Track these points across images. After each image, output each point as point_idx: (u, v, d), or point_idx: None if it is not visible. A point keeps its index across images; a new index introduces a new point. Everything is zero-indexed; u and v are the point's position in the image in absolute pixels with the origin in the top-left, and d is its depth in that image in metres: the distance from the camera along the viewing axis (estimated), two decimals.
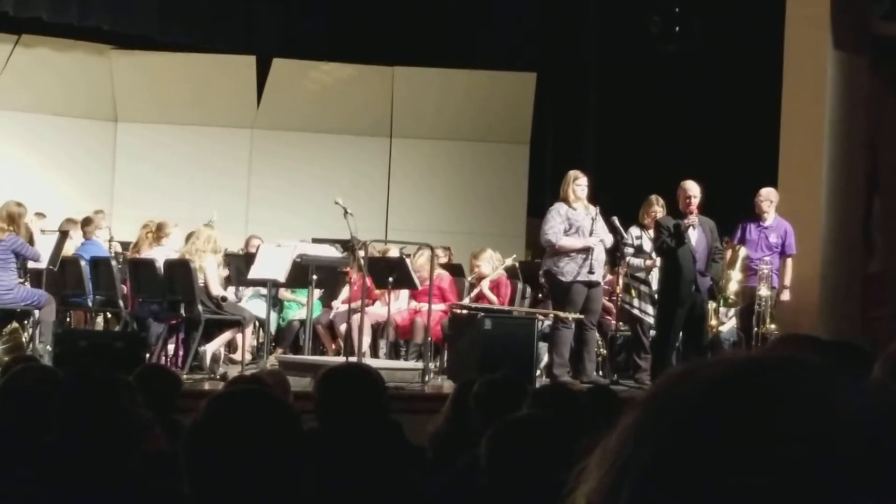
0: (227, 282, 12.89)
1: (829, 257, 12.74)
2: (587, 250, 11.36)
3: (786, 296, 12.23)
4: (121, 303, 12.19)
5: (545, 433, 3.76)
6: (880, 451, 0.83)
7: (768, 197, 12.33)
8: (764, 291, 12.00)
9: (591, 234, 11.42)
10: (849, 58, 12.94)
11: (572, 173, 11.73)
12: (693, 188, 11.46)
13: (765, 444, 0.84)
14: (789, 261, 12.27)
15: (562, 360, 11.43)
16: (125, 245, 13.80)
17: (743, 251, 12.11)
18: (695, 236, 11.38)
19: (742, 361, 0.91)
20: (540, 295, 13.37)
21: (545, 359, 11.97)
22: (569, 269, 11.36)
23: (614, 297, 12.66)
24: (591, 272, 11.41)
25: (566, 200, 11.52)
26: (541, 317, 11.93)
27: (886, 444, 0.84)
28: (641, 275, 12.16)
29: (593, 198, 11.79)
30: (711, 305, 12.29)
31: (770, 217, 12.27)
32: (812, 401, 0.86)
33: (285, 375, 6.98)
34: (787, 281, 12.27)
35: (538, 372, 11.59)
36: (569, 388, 6.21)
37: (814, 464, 0.83)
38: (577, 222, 11.42)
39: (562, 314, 11.58)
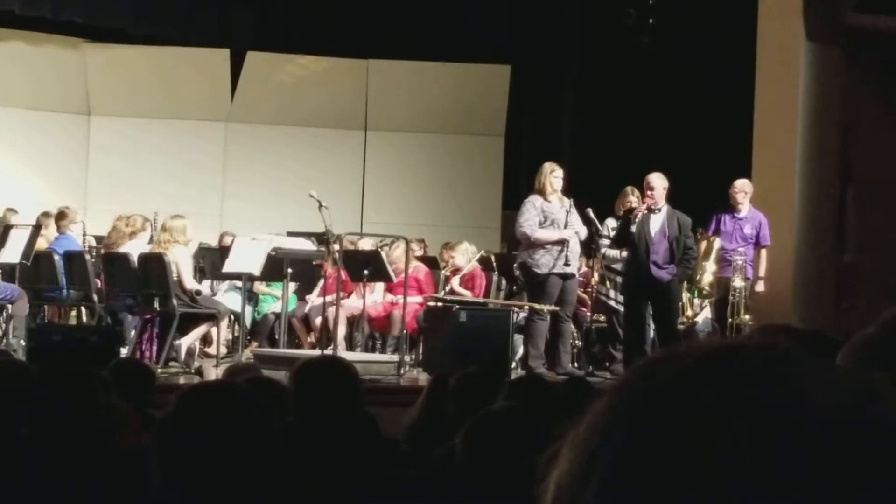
0: (202, 275, 12.87)
1: (802, 248, 12.78)
2: (562, 242, 11.38)
3: (760, 287, 12.28)
4: (95, 297, 12.14)
5: (521, 425, 3.76)
6: (850, 438, 0.84)
7: (743, 188, 12.37)
8: (738, 282, 12.04)
9: (566, 225, 11.44)
10: (822, 49, 12.97)
11: (548, 165, 11.73)
12: (652, 180, 11.44)
13: (736, 431, 0.84)
14: (763, 252, 12.32)
15: (537, 352, 11.45)
16: (99, 239, 13.75)
17: (717, 242, 12.15)
18: (656, 227, 11.36)
19: (716, 348, 0.91)
20: (515, 287, 13.38)
21: (521, 351, 11.98)
22: (544, 262, 11.38)
23: (589, 289, 12.68)
24: (566, 264, 11.43)
25: (542, 193, 11.52)
26: (516, 309, 11.94)
27: (857, 431, 0.84)
28: (617, 266, 12.18)
29: (568, 190, 11.81)
30: (686, 297, 12.33)
31: (745, 208, 12.31)
32: (784, 387, 0.86)
33: (260, 370, 6.97)
34: (762, 272, 12.31)
35: (514, 364, 11.60)
36: (544, 380, 6.22)
37: (784, 450, 0.83)
38: (553, 214, 11.43)
39: (536, 306, 11.58)
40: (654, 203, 11.36)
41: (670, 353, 0.92)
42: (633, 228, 11.32)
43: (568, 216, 11.47)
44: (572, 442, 0.90)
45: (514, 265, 12.13)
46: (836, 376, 0.88)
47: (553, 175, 11.56)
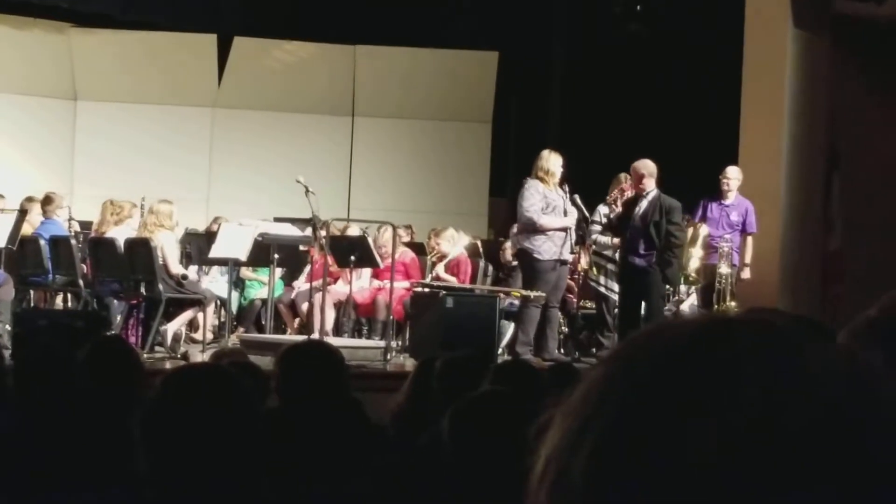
0: (189, 260, 12.85)
1: (788, 234, 12.80)
2: (565, 230, 11.36)
3: (746, 273, 12.30)
4: (81, 282, 12.11)
5: (506, 410, 3.76)
6: (843, 416, 0.83)
7: (734, 176, 12.38)
8: (724, 269, 12.06)
9: (565, 213, 11.41)
10: (809, 36, 12.98)
11: (551, 152, 11.64)
12: (638, 168, 11.44)
13: (731, 402, 0.83)
14: (750, 239, 12.34)
15: (526, 339, 11.42)
16: (85, 224, 13.72)
17: (704, 229, 12.16)
18: (639, 213, 11.35)
19: (713, 321, 0.91)
20: (500, 273, 13.37)
21: (507, 336, 11.99)
22: (546, 249, 11.31)
23: (576, 276, 12.68)
24: (572, 252, 11.49)
25: (543, 179, 11.44)
26: (502, 295, 11.93)
27: (849, 408, 0.84)
28: (608, 253, 12.19)
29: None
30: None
31: (732, 195, 12.33)
32: (779, 361, 0.85)
33: (246, 354, 6.96)
34: (748, 259, 12.33)
35: (500, 350, 11.60)
36: (530, 365, 6.22)
37: (778, 426, 0.82)
38: (554, 201, 11.39)
39: (524, 292, 11.58)
40: (642, 190, 11.37)
41: (667, 325, 0.91)
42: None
43: (565, 203, 11.45)
44: (563, 413, 0.89)
45: (511, 251, 12.02)
46: (830, 352, 0.88)
47: (555, 162, 11.50)
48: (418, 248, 14.00)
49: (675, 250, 11.46)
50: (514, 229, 12.15)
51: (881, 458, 0.82)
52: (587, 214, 12.03)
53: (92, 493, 3.11)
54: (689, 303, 12.94)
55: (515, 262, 12.35)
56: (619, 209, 11.56)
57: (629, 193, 11.56)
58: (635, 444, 0.84)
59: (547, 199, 11.35)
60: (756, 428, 0.82)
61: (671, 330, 0.90)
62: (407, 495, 4.05)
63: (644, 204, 11.34)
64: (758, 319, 0.91)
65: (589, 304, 12.74)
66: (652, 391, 0.86)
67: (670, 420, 0.84)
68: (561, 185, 11.52)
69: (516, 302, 12.04)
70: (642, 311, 11.41)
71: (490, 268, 13.61)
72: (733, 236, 12.22)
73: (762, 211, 12.42)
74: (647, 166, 11.43)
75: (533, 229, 11.33)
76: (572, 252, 11.52)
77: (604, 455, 0.85)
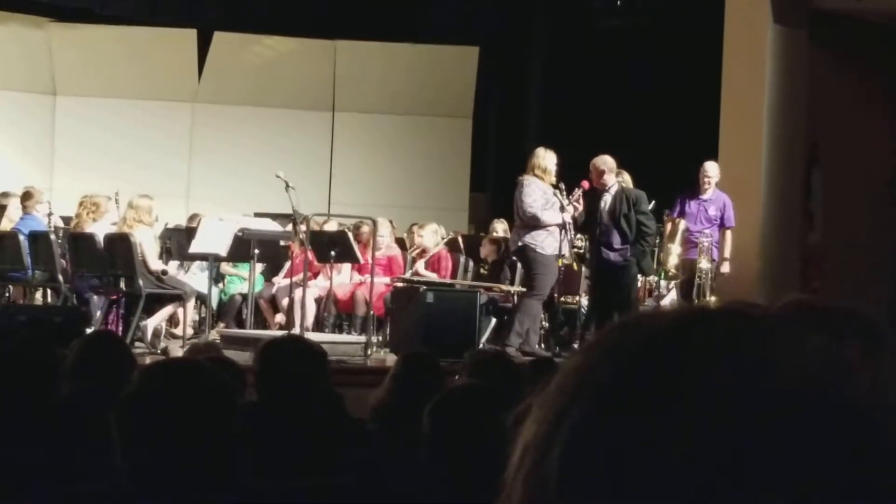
0: (169, 255, 12.83)
1: (768, 230, 12.83)
2: (564, 225, 11.42)
3: (725, 268, 12.32)
4: (60, 277, 12.08)
5: (486, 404, 3.76)
6: (825, 408, 0.83)
7: (713, 171, 12.41)
8: (704, 264, 12.07)
9: (562, 209, 11.46)
10: (789, 31, 13.00)
11: (546, 150, 11.71)
12: (598, 164, 11.56)
13: (707, 392, 0.83)
14: (728, 233, 12.36)
15: (521, 329, 11.44)
16: (65, 220, 13.68)
17: (682, 224, 12.17)
18: (605, 208, 11.46)
19: (691, 311, 0.90)
20: (482, 269, 13.37)
21: (487, 331, 12.01)
22: (548, 244, 11.37)
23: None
24: (573, 247, 11.54)
25: (540, 177, 11.50)
26: (482, 290, 11.95)
27: (823, 403, 0.84)
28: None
29: None
30: (652, 278, 12.36)
31: (710, 190, 12.36)
32: (759, 354, 0.85)
33: (220, 348, 6.95)
34: (727, 253, 12.35)
35: (481, 345, 11.60)
36: (509, 359, 6.22)
37: (754, 419, 0.82)
38: (552, 198, 11.45)
39: (505, 287, 11.60)
40: (603, 185, 11.45)
41: (645, 315, 0.91)
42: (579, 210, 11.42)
43: (561, 199, 11.50)
44: (540, 403, 0.89)
45: (511, 247, 11.96)
46: (813, 345, 0.88)
47: (551, 159, 11.56)
48: (398, 244, 14.00)
49: (648, 239, 11.58)
50: (493, 224, 12.14)
51: (856, 451, 0.83)
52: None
53: (73, 485, 3.10)
54: (670, 298, 12.97)
55: (513, 258, 12.30)
56: (580, 207, 11.62)
57: (579, 193, 11.62)
58: (610, 433, 0.84)
59: (546, 196, 11.41)
60: (731, 418, 0.82)
61: (649, 320, 0.90)
62: (387, 489, 4.05)
63: (608, 199, 11.44)
64: (735, 309, 0.91)
65: (570, 300, 12.75)
66: (628, 381, 0.85)
67: (646, 410, 0.84)
68: (557, 183, 11.56)
69: (496, 296, 12.06)
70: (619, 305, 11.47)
71: (471, 263, 13.61)
72: (712, 231, 12.24)
73: (742, 206, 12.45)
74: (607, 162, 11.54)
75: (534, 225, 11.37)
76: (573, 247, 11.59)
77: (579, 445, 0.84)
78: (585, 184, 11.58)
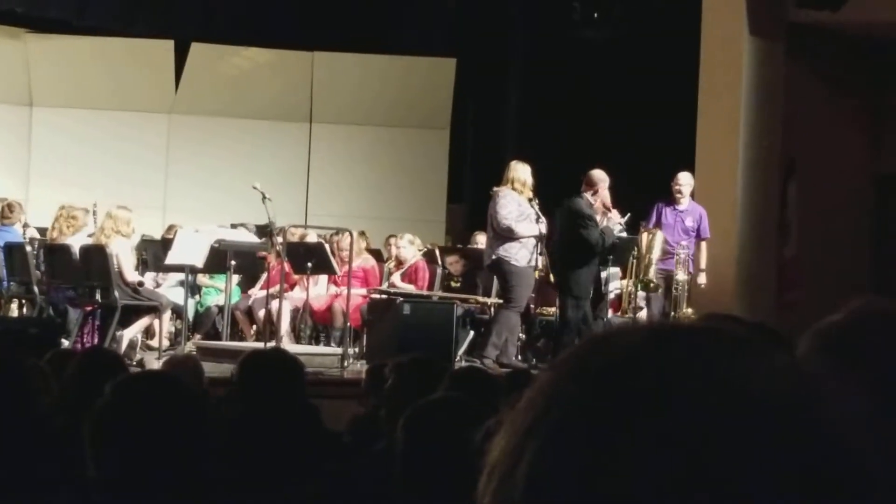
0: (145, 267, 12.79)
1: (745, 241, 12.87)
2: (538, 237, 11.46)
3: (702, 279, 12.35)
4: (36, 289, 12.03)
5: (461, 416, 3.75)
6: (787, 428, 0.83)
7: (687, 182, 12.45)
8: (681, 276, 12.09)
9: (536, 220, 11.49)
10: (765, 44, 13.06)
11: (519, 162, 11.76)
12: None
13: (672, 411, 0.83)
14: (704, 244, 12.40)
15: (499, 341, 11.45)
16: (41, 231, 13.64)
17: (660, 235, 12.18)
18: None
19: (659, 329, 0.90)
20: (453, 282, 13.35)
21: (465, 343, 12.01)
22: (521, 255, 11.40)
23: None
24: (541, 256, 11.61)
25: (517, 189, 11.52)
26: (458, 302, 11.96)
27: (795, 421, 0.84)
28: None
29: None
30: (629, 289, 12.37)
31: (685, 201, 12.40)
32: (723, 374, 0.85)
33: (198, 360, 6.93)
34: (703, 264, 12.39)
35: (458, 357, 11.61)
36: (486, 372, 6.22)
37: (718, 438, 0.82)
38: (527, 210, 11.47)
39: (481, 299, 11.61)
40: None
41: (614, 332, 0.91)
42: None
43: (536, 211, 11.53)
44: (510, 418, 0.89)
45: (486, 262, 11.96)
46: (773, 362, 0.88)
47: (526, 171, 11.60)
48: (375, 255, 14.00)
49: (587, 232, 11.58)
50: (474, 237, 12.14)
51: (815, 472, 0.83)
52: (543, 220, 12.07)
53: (43, 496, 3.09)
54: (647, 310, 12.97)
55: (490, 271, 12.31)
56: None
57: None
58: (575, 451, 0.84)
59: (520, 208, 11.43)
60: (694, 437, 0.82)
61: (618, 338, 0.90)
62: (362, 502, 4.04)
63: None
64: (704, 328, 0.91)
65: (547, 311, 12.76)
66: (594, 399, 0.85)
67: (611, 428, 0.84)
68: (531, 198, 11.57)
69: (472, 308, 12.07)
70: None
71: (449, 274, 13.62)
72: (689, 243, 12.27)
73: (719, 217, 12.49)
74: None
75: (508, 237, 11.39)
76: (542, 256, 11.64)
77: (545, 461, 0.84)
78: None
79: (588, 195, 11.67)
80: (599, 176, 11.76)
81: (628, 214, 12.32)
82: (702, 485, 0.81)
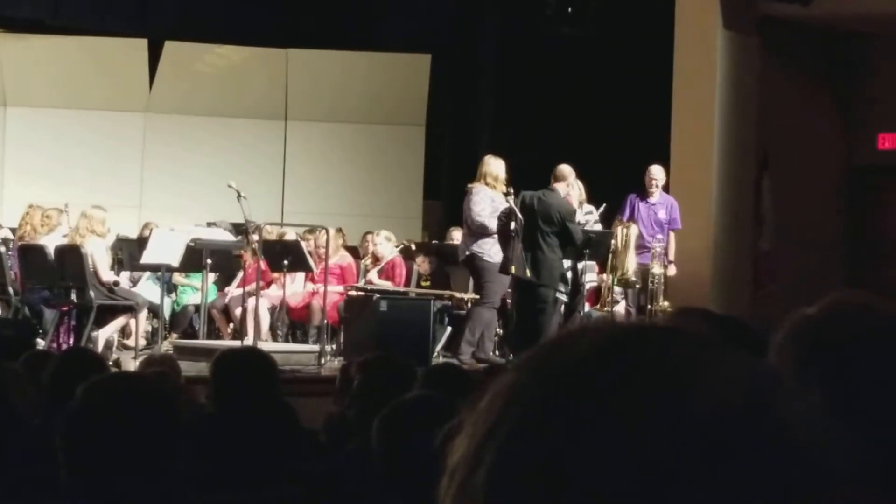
0: (120, 266, 12.75)
1: (719, 233, 12.90)
2: (513, 233, 11.41)
3: (672, 270, 12.36)
4: (10, 289, 11.98)
5: (437, 414, 3.75)
6: (742, 431, 0.84)
7: (659, 174, 12.48)
8: (657, 269, 12.11)
9: (511, 216, 11.45)
10: (739, 37, 13.09)
11: (494, 157, 11.72)
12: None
13: (630, 413, 0.83)
14: (672, 235, 12.43)
15: (472, 338, 11.43)
16: (15, 231, 13.58)
17: (634, 229, 12.18)
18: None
19: (619, 330, 0.91)
20: (422, 283, 13.34)
21: (442, 340, 12.01)
22: (495, 251, 11.35)
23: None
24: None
25: (491, 185, 11.50)
26: (435, 298, 11.96)
27: (749, 424, 0.84)
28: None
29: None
30: (608, 283, 12.38)
31: (657, 194, 12.44)
32: (682, 374, 0.86)
33: (175, 360, 6.92)
34: (672, 255, 12.40)
35: (435, 353, 11.61)
36: (461, 369, 6.22)
37: (673, 440, 0.83)
38: (501, 205, 11.43)
39: (458, 295, 11.59)
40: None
41: (574, 333, 0.91)
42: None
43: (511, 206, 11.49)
44: (471, 420, 0.89)
45: (460, 258, 11.93)
46: (738, 364, 0.88)
47: (500, 167, 11.57)
48: (352, 252, 13.98)
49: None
50: (450, 233, 12.13)
51: (772, 473, 0.83)
52: (519, 216, 12.04)
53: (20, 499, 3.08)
54: (623, 304, 12.99)
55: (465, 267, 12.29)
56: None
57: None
58: (535, 451, 0.84)
59: (494, 204, 11.40)
60: (654, 437, 0.82)
61: (577, 339, 0.90)
62: (337, 501, 4.04)
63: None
64: (665, 328, 0.91)
65: None
66: (553, 400, 0.86)
67: (570, 428, 0.84)
68: (507, 192, 11.51)
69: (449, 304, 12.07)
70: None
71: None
72: (664, 236, 12.30)
73: (694, 210, 12.52)
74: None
75: (482, 233, 11.37)
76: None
77: (505, 462, 0.85)
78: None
79: (561, 188, 11.62)
80: (568, 170, 11.73)
81: (604, 205, 12.33)
82: (660, 485, 0.82)
